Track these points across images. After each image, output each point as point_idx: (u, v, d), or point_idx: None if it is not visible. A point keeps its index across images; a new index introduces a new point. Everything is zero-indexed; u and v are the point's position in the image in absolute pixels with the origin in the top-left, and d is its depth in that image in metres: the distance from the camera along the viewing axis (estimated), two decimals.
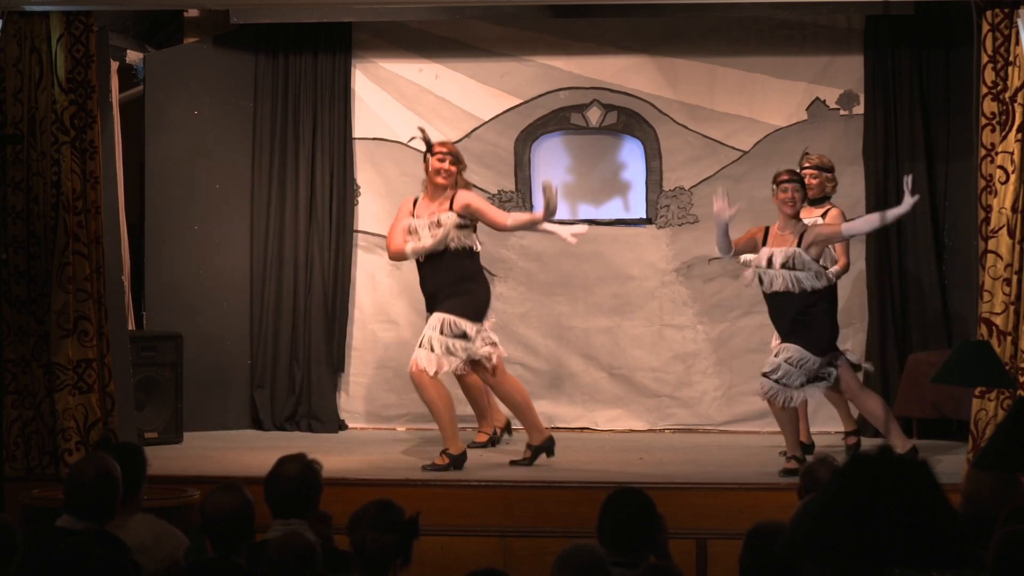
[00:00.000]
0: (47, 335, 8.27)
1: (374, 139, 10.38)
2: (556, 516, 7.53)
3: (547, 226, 8.85)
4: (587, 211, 10.40)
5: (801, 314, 8.21)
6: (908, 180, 8.13)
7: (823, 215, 8.83)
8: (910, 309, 9.93)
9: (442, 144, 8.62)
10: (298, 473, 5.12)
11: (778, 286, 8.21)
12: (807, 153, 8.99)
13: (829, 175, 8.99)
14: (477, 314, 8.46)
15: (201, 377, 9.98)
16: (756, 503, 7.42)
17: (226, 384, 10.27)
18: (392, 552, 4.54)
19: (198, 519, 5.06)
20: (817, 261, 8.23)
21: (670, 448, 9.37)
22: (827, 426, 9.74)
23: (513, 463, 8.48)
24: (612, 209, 10.41)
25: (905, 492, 2.74)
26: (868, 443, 9.42)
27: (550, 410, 10.25)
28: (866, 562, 2.72)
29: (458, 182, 8.55)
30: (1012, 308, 7.95)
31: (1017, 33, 7.88)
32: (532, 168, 10.35)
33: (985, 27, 7.93)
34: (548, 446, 8.56)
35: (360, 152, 10.38)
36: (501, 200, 10.26)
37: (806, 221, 8.47)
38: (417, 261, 8.57)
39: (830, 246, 8.53)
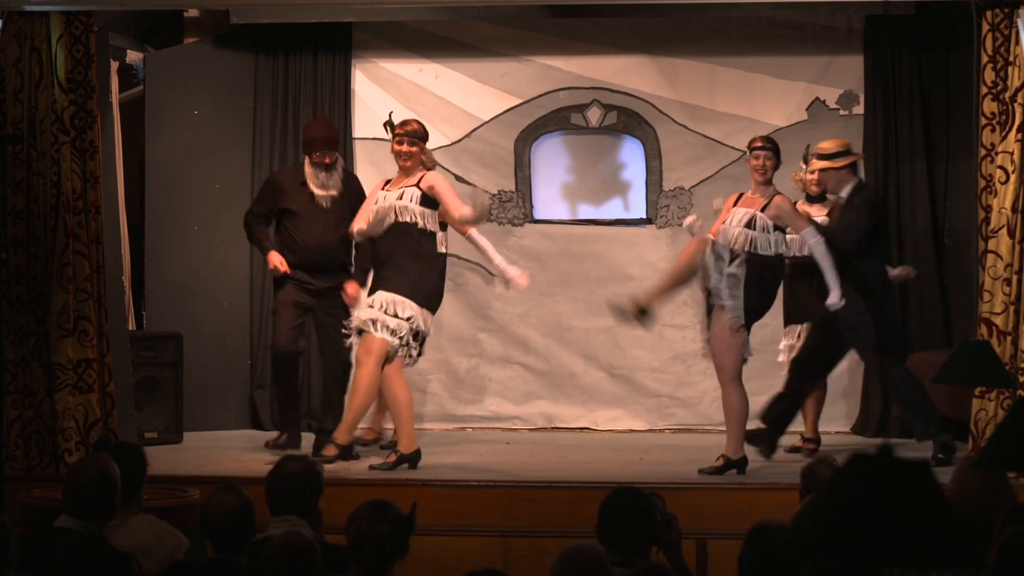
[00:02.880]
0: (47, 335, 8.27)
1: (374, 139, 10.37)
2: (556, 516, 7.52)
3: (496, 260, 8.67)
4: (587, 211, 10.40)
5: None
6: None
7: (828, 214, 8.78)
8: (910, 309, 9.93)
9: (403, 124, 8.41)
10: (299, 472, 5.12)
11: (735, 243, 8.16)
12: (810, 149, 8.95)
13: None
14: (420, 297, 8.18)
15: (201, 377, 9.98)
16: (756, 503, 7.42)
17: (226, 384, 10.27)
18: (388, 542, 4.49)
19: (198, 519, 5.06)
20: (783, 232, 8.21)
21: (670, 448, 9.37)
22: (827, 426, 9.73)
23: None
24: (612, 209, 10.41)
25: (905, 492, 2.74)
26: (868, 443, 9.42)
27: (550, 410, 10.24)
28: (866, 562, 2.73)
29: (426, 162, 8.35)
30: (1012, 308, 7.95)
31: (1017, 33, 7.88)
32: (532, 168, 10.35)
33: (985, 27, 7.93)
34: (414, 459, 8.20)
35: (360, 152, 10.38)
36: (501, 200, 10.26)
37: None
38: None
39: None
